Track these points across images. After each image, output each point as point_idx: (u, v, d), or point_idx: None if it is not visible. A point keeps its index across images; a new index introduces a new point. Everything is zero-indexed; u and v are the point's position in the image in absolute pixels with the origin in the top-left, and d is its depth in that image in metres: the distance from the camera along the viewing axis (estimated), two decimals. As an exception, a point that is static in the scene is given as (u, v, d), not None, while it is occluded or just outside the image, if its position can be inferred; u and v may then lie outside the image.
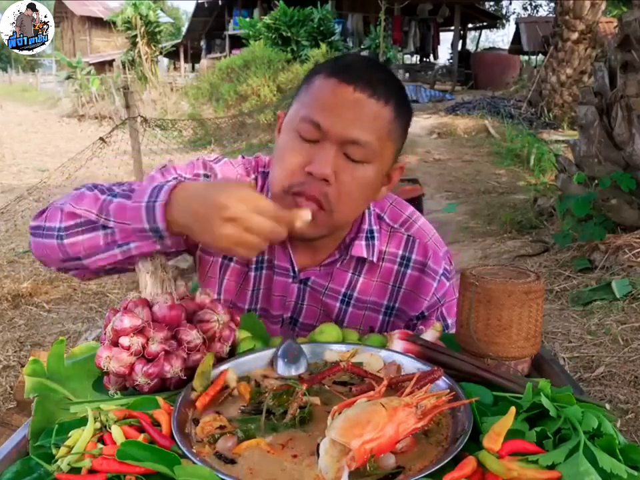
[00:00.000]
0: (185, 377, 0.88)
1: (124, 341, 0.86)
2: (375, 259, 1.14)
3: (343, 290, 1.17)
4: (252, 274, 1.18)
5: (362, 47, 16.75)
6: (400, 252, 1.16)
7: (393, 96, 1.00)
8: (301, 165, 0.99)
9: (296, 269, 1.15)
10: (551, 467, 0.66)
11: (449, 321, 1.18)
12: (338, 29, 16.03)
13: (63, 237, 0.95)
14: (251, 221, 0.81)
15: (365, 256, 1.13)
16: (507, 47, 21.07)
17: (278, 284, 1.18)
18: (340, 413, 0.69)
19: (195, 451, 0.72)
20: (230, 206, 0.81)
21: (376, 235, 1.14)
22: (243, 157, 1.22)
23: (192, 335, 0.90)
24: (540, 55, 14.54)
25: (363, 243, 1.13)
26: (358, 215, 1.10)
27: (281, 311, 1.20)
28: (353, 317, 1.18)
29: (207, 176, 1.14)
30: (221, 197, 0.82)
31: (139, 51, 18.20)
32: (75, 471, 0.70)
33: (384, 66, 1.15)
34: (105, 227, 0.92)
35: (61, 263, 1.00)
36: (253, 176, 1.17)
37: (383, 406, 0.69)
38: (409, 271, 1.16)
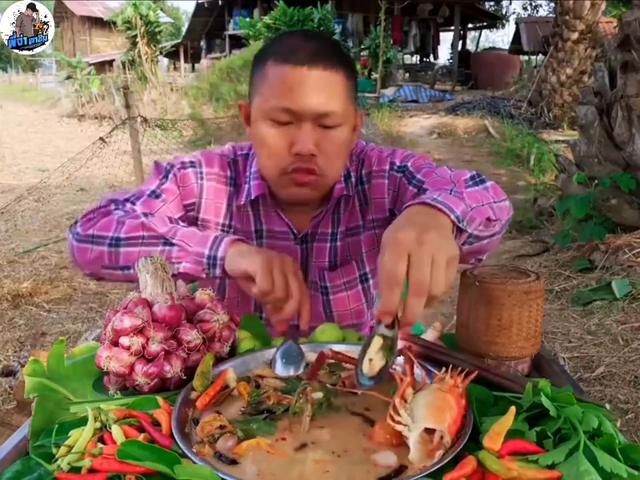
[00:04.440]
0: (185, 377, 0.88)
1: (124, 341, 0.87)
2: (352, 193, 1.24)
3: (330, 230, 1.26)
4: (254, 243, 1.26)
5: (362, 46, 16.75)
6: (356, 175, 1.25)
7: (341, 60, 1.09)
8: (286, 148, 1.08)
9: (295, 231, 1.24)
10: (551, 467, 0.66)
11: (419, 176, 1.17)
12: (338, 29, 16.01)
13: (119, 246, 1.05)
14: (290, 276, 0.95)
15: (345, 192, 1.22)
16: (507, 47, 21.07)
17: (282, 249, 1.24)
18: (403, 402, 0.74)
19: (194, 450, 0.72)
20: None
21: (352, 173, 1.25)
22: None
23: (192, 335, 0.90)
24: (540, 54, 14.54)
25: (343, 184, 1.22)
26: (344, 169, 1.21)
27: None
28: (342, 249, 1.27)
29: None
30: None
31: (138, 51, 18.18)
32: (74, 470, 0.70)
33: (321, 34, 1.25)
34: (166, 244, 1.03)
35: (100, 269, 1.09)
36: (232, 156, 1.27)
37: (443, 391, 0.75)
38: (365, 186, 1.25)
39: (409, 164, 1.21)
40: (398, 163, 1.22)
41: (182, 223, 1.11)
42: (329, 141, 1.08)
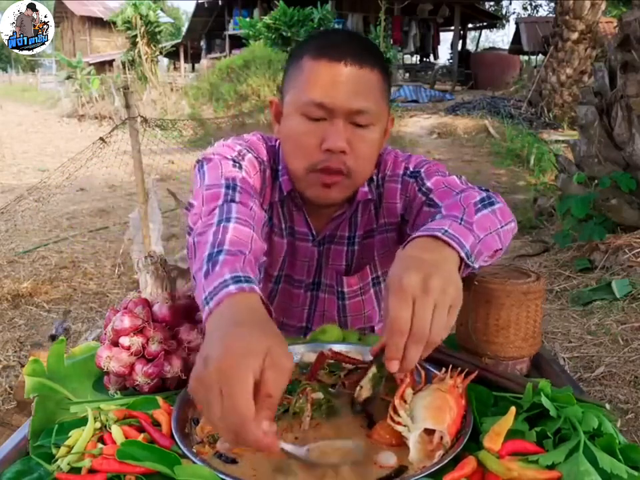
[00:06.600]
0: (185, 377, 0.88)
1: (124, 341, 0.87)
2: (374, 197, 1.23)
3: (347, 234, 1.24)
4: (276, 239, 1.23)
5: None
6: (374, 178, 1.23)
7: (377, 61, 1.08)
8: (316, 144, 1.06)
9: (314, 232, 1.23)
10: (551, 467, 0.66)
11: (429, 184, 1.14)
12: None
13: (195, 279, 0.86)
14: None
15: (369, 197, 1.21)
16: (507, 47, 21.05)
17: (300, 249, 1.25)
18: (402, 403, 0.75)
19: (194, 450, 0.72)
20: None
21: (374, 177, 1.23)
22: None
23: (192, 335, 0.90)
24: (540, 54, 14.53)
25: (366, 188, 1.20)
26: (372, 171, 1.19)
27: (304, 276, 1.27)
28: (359, 253, 1.26)
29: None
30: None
31: (138, 51, 18.17)
32: (75, 470, 0.70)
33: (360, 35, 1.23)
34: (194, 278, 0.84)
35: None
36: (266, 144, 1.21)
37: (443, 391, 0.76)
38: (380, 190, 1.23)
39: (422, 170, 1.18)
40: (411, 168, 1.20)
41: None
42: (360, 140, 1.06)
